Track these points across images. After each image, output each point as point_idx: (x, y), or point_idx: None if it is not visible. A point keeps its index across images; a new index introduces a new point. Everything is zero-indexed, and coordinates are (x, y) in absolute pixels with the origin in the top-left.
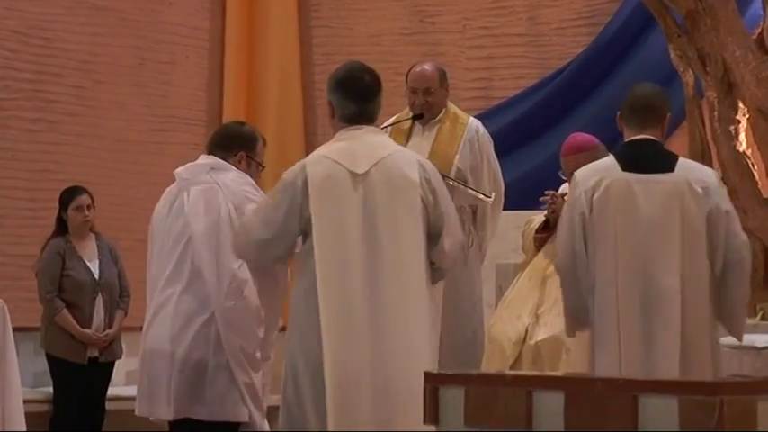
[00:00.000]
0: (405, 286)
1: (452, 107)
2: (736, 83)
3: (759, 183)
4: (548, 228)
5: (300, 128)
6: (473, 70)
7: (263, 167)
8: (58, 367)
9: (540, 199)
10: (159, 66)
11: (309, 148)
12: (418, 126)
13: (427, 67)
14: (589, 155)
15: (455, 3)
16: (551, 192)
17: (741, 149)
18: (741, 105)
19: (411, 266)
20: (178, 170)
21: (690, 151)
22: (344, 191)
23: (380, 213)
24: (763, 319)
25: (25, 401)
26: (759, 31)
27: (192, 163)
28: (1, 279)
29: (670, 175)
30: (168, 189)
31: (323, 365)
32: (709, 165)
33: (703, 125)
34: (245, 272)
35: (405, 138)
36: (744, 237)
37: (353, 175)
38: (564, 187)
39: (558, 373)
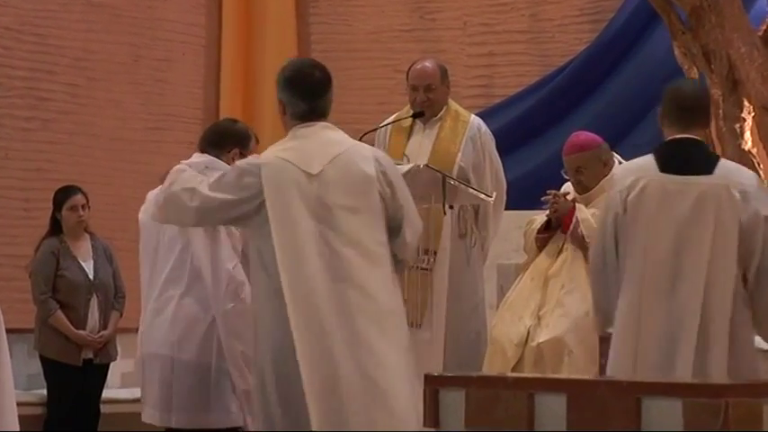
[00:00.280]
0: (368, 284)
1: (454, 105)
2: (741, 80)
3: (764, 181)
4: (549, 228)
5: None
6: (474, 67)
7: None
8: (52, 369)
9: (542, 198)
10: (155, 63)
11: None
12: (419, 124)
13: (428, 64)
14: (592, 153)
15: None
16: (553, 191)
17: (746, 148)
18: (746, 103)
19: (373, 263)
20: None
21: None
22: (300, 192)
23: (338, 212)
24: None
25: (19, 404)
26: (765, 27)
27: (185, 161)
28: None
29: (708, 177)
30: (160, 188)
31: (289, 370)
32: None
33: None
34: (240, 273)
35: (405, 136)
36: None
37: (308, 175)
38: (566, 186)
39: (561, 375)
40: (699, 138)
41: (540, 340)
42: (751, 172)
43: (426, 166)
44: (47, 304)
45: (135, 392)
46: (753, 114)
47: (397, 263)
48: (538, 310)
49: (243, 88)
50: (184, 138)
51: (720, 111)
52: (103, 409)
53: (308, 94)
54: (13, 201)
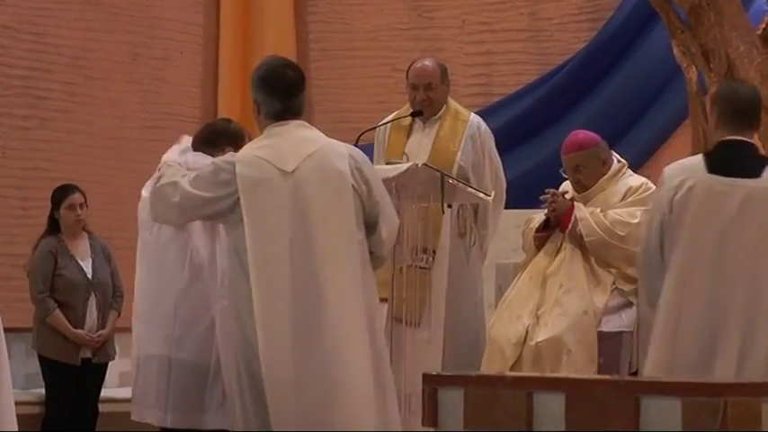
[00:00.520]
0: (341, 283)
1: (453, 103)
2: (740, 79)
3: None
4: (548, 227)
5: None
6: (472, 66)
7: None
8: (51, 368)
9: (541, 197)
10: (153, 62)
11: None
12: (419, 123)
13: (428, 62)
14: (590, 152)
15: None
16: (551, 190)
17: None
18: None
19: (347, 261)
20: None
21: (693, 149)
22: (275, 190)
23: (313, 209)
24: None
25: (17, 403)
26: (764, 26)
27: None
28: None
29: (756, 180)
30: (152, 179)
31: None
32: None
33: (707, 122)
34: None
35: (405, 135)
36: None
37: (283, 173)
38: (565, 185)
39: (559, 374)
40: (750, 141)
41: (539, 339)
42: None
43: (425, 164)
44: (45, 303)
45: None
46: (753, 142)
47: (374, 259)
48: (536, 310)
49: (241, 87)
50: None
51: None
52: (102, 408)
53: (282, 93)
54: (10, 200)
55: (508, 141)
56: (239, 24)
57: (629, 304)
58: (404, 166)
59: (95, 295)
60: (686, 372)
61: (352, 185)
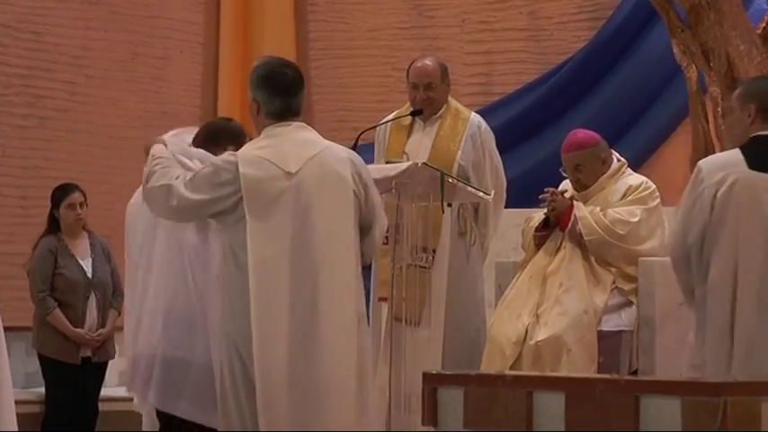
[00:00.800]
0: (340, 286)
1: (454, 102)
2: (740, 78)
3: None
4: (547, 226)
5: None
6: (472, 65)
7: None
8: (51, 368)
9: (540, 197)
10: (153, 61)
11: None
12: (419, 122)
13: (429, 62)
14: (590, 151)
15: None
16: (551, 189)
17: None
18: None
19: (345, 264)
20: None
21: (693, 148)
22: (278, 190)
23: (314, 212)
24: None
25: (17, 402)
26: (763, 25)
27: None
28: None
29: None
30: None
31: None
32: None
33: (707, 121)
34: None
35: (405, 134)
36: None
37: (287, 174)
38: (564, 184)
39: (559, 373)
40: None
41: (539, 338)
42: None
43: (424, 164)
44: (45, 302)
45: None
46: None
47: (361, 257)
48: (536, 309)
49: (241, 86)
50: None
51: (719, 109)
52: (101, 407)
53: (283, 91)
54: (10, 199)
55: (508, 140)
56: (239, 24)
57: (629, 303)
58: (404, 165)
59: (95, 294)
60: (745, 362)
61: (353, 190)
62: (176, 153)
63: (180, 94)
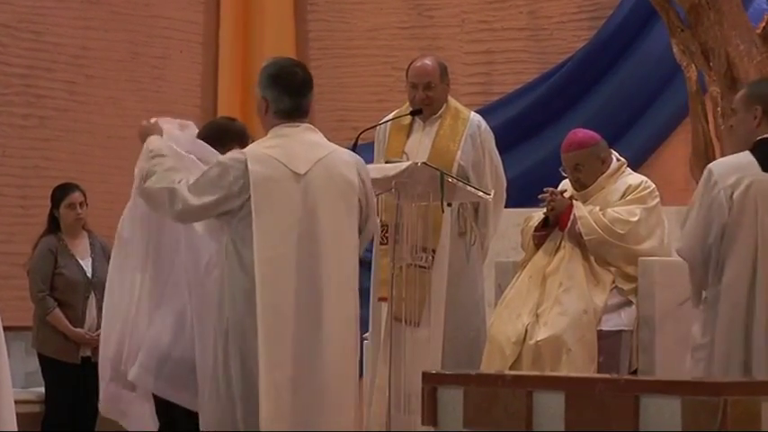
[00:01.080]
0: (343, 288)
1: (453, 102)
2: (739, 78)
3: None
4: (547, 225)
5: None
6: (472, 65)
7: None
8: (50, 367)
9: (539, 197)
10: (152, 60)
11: None
12: (419, 122)
13: (428, 61)
14: (590, 151)
15: None
16: (550, 189)
17: None
18: None
19: (349, 268)
20: None
21: (692, 148)
22: (286, 190)
23: (321, 214)
24: None
25: (17, 402)
26: (763, 25)
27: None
28: None
29: None
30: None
31: (256, 364)
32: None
33: (707, 121)
34: None
35: (405, 134)
36: None
37: (295, 175)
38: (564, 184)
39: (559, 373)
40: None
41: (539, 338)
42: None
43: (424, 163)
44: (45, 302)
45: None
46: None
47: None
48: (536, 308)
49: (241, 86)
50: None
51: (719, 109)
52: None
53: (293, 90)
54: (10, 198)
55: (508, 140)
56: (239, 23)
57: (629, 303)
58: (404, 165)
59: (95, 294)
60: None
61: (357, 195)
62: (189, 150)
63: (180, 93)
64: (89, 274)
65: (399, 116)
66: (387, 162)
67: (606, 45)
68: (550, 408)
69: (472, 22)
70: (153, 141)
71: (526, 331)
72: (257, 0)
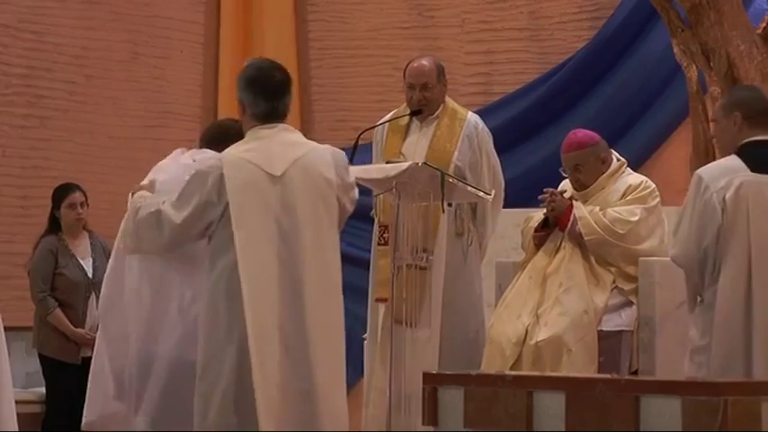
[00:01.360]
0: (328, 288)
1: (451, 102)
2: (740, 78)
3: None
4: (547, 226)
5: (297, 123)
6: (472, 65)
7: None
8: (51, 367)
9: (539, 197)
10: (153, 60)
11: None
12: (416, 122)
13: (425, 62)
14: (590, 151)
15: None
16: (550, 189)
17: None
18: None
19: (332, 267)
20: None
21: (693, 148)
22: (262, 193)
23: (300, 214)
24: None
25: (17, 402)
26: (764, 25)
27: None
28: None
29: None
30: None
31: (243, 374)
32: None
33: (707, 121)
34: None
35: (402, 135)
36: None
37: (271, 177)
38: (564, 184)
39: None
40: None
41: (539, 339)
42: None
43: (425, 163)
44: (45, 302)
45: None
46: None
47: None
48: (536, 309)
49: None
50: (183, 135)
51: None
52: None
53: (269, 94)
54: (10, 198)
55: (508, 140)
56: (240, 23)
57: (629, 303)
58: (404, 165)
59: (96, 294)
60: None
61: (336, 193)
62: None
63: (180, 93)
64: (90, 275)
65: (397, 117)
66: (387, 162)
67: (607, 45)
68: (551, 408)
69: (473, 22)
70: (137, 196)
71: (526, 332)
72: (258, 0)
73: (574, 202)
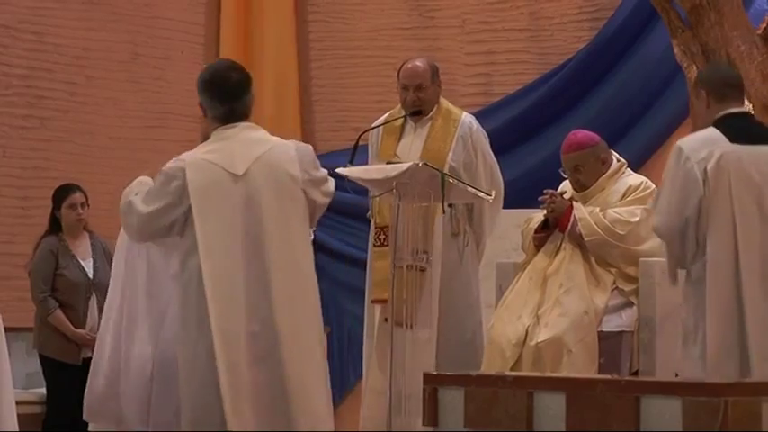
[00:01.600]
0: (299, 285)
1: (445, 103)
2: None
3: None
4: (547, 227)
5: (297, 124)
6: (473, 66)
7: None
8: (52, 368)
9: (539, 198)
10: (153, 61)
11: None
12: (410, 124)
13: (419, 63)
14: (590, 152)
15: None
16: (550, 191)
17: None
18: (746, 102)
19: (303, 263)
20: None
21: None
22: (225, 194)
23: (265, 211)
24: None
25: (17, 403)
26: (764, 26)
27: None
28: None
29: None
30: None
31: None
32: None
33: None
34: None
35: (397, 136)
36: None
37: (233, 176)
38: (564, 185)
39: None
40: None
41: (539, 340)
42: None
43: (425, 164)
44: (46, 303)
45: None
46: (753, 113)
47: None
48: (536, 310)
49: None
50: (183, 136)
51: None
52: None
53: (225, 96)
54: (11, 199)
55: (509, 141)
56: (240, 24)
57: (630, 304)
58: (404, 166)
59: (96, 295)
60: (759, 332)
61: (301, 188)
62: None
63: (181, 94)
64: (90, 275)
65: (393, 118)
66: (388, 163)
67: (607, 46)
68: (551, 408)
69: (473, 22)
70: (135, 182)
71: (527, 333)
72: (258, 1)
73: (574, 203)
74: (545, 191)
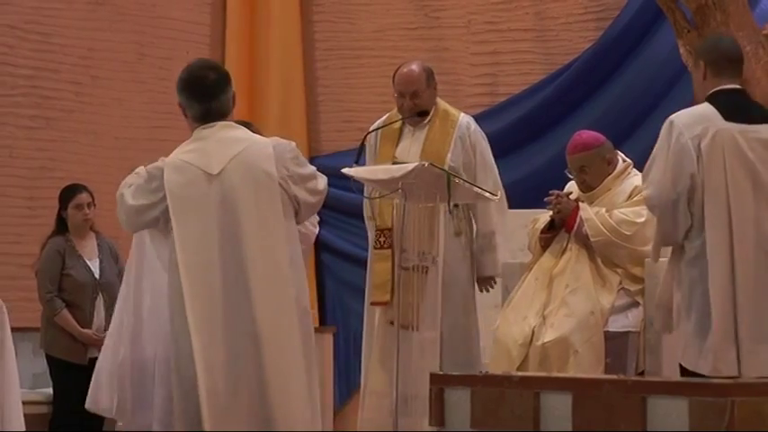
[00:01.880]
0: (278, 283)
1: (442, 104)
2: (746, 79)
3: None
4: (553, 227)
5: (303, 124)
6: (478, 66)
7: None
8: (58, 368)
9: (545, 199)
10: (159, 61)
11: (312, 144)
12: (408, 126)
13: (414, 67)
14: (595, 152)
15: None
16: (556, 192)
17: None
18: None
19: (282, 262)
20: None
21: None
22: (201, 194)
23: (242, 209)
24: None
25: (24, 403)
26: None
27: None
28: None
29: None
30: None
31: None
32: None
33: None
34: None
35: (395, 139)
36: None
37: (208, 176)
38: (570, 185)
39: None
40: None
41: (546, 340)
42: None
43: (431, 164)
44: (53, 303)
45: None
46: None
47: None
48: (542, 310)
49: (247, 87)
50: (189, 136)
51: None
52: None
53: (201, 96)
54: (17, 199)
55: (514, 141)
56: (245, 24)
57: (636, 304)
58: (410, 166)
59: (103, 295)
60: (751, 307)
61: (279, 184)
62: None
63: None
64: (97, 275)
65: (391, 121)
66: (393, 164)
67: (612, 46)
68: (557, 409)
69: (478, 23)
70: (135, 172)
71: (533, 333)
72: (263, 1)
73: (580, 203)
74: (551, 191)
